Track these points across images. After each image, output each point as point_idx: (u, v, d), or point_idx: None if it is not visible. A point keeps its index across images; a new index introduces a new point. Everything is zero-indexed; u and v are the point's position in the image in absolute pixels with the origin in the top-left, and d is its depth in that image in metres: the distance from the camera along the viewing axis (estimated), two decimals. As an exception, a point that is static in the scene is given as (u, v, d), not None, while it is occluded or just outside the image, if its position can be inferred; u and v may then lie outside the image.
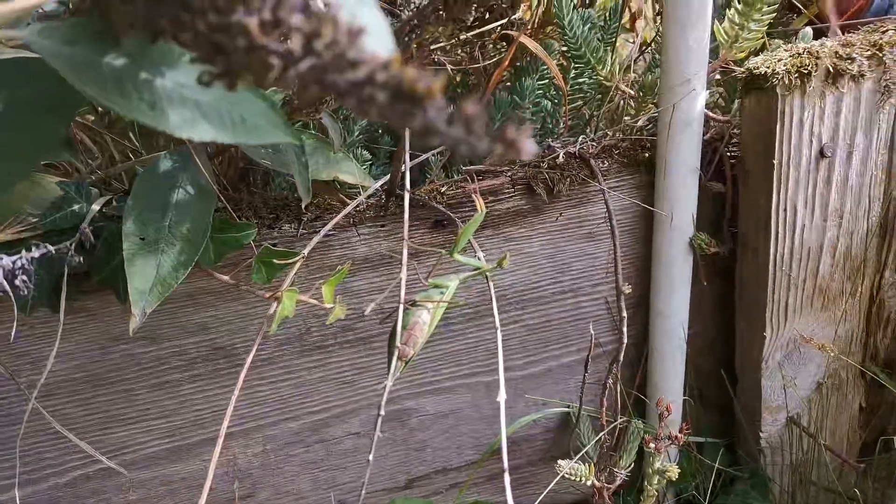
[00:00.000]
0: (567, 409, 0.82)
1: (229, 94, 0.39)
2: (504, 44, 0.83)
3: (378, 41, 0.31)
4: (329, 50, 0.24)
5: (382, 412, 0.54)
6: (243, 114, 0.39)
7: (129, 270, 0.54)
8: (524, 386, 0.83)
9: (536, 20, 0.90)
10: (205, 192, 0.58)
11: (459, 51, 0.86)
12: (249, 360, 0.58)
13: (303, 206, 0.59)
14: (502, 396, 0.49)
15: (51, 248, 0.51)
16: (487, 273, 0.59)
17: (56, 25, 0.35)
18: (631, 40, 0.96)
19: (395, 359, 0.53)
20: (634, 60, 0.72)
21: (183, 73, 0.38)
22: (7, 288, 0.43)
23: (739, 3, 0.63)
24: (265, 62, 0.26)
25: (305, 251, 0.62)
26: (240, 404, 0.75)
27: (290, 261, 0.60)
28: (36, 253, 0.49)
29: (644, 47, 0.75)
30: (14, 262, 0.44)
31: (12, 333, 0.60)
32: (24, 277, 0.44)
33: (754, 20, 0.63)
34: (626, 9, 0.93)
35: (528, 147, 0.23)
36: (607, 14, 0.83)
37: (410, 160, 0.69)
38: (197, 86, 0.38)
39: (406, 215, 0.53)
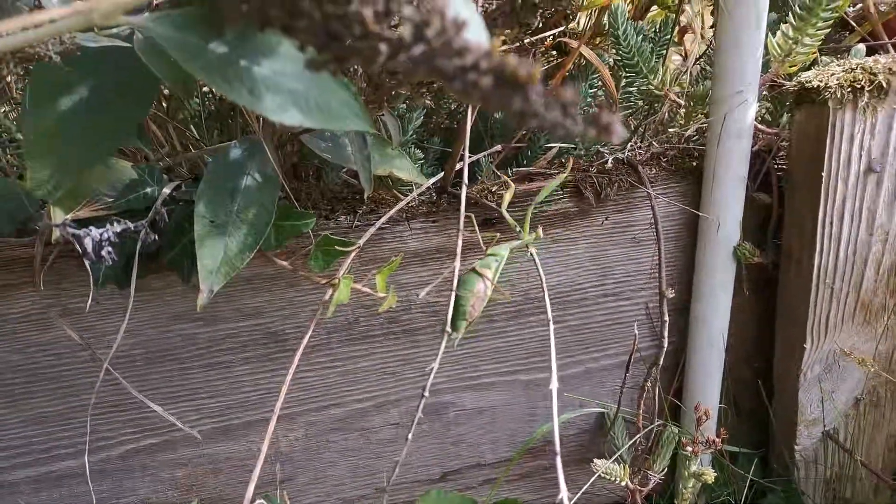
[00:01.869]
0: (602, 411, 0.83)
1: (318, 84, 0.42)
2: (554, 53, 0.85)
3: (476, 33, 0.33)
4: (438, 38, 0.27)
5: (426, 394, 0.56)
6: (330, 101, 0.42)
7: (199, 250, 0.57)
8: (562, 386, 0.85)
9: (588, 31, 0.92)
10: (270, 180, 0.61)
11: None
12: (305, 342, 0.61)
13: (365, 196, 0.62)
14: (554, 385, 0.50)
15: (130, 224, 0.54)
16: (533, 249, 0.60)
17: (169, 13, 0.38)
18: (680, 54, 0.98)
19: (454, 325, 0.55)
20: (684, 72, 0.74)
21: (279, 62, 0.40)
22: (94, 258, 0.46)
23: (794, 18, 0.64)
24: (375, 48, 0.28)
25: (361, 241, 0.65)
26: (288, 388, 0.77)
27: (347, 249, 0.63)
28: (118, 227, 0.52)
29: (696, 60, 0.77)
30: (101, 235, 0.47)
31: (87, 305, 0.63)
32: (110, 248, 0.47)
33: (808, 35, 0.64)
34: (677, 24, 0.95)
35: (619, 130, 0.25)
36: (658, 27, 0.85)
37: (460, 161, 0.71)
38: (290, 74, 0.41)
39: (463, 198, 0.55)
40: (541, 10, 0.48)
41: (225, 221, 0.59)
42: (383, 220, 0.67)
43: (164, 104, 0.84)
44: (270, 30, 0.36)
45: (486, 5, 0.51)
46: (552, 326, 0.53)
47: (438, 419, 0.83)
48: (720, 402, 0.84)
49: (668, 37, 0.83)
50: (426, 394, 0.57)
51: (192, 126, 0.84)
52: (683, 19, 0.98)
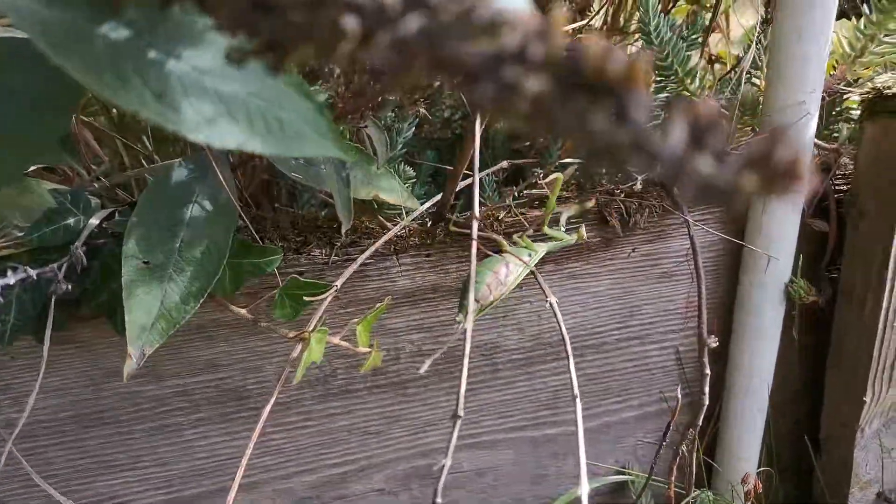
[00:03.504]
0: (626, 478, 0.71)
1: (267, 89, 0.29)
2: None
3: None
4: (450, 4, 0.14)
5: (461, 412, 0.44)
6: (282, 116, 0.29)
7: (127, 301, 0.44)
8: (576, 443, 0.72)
9: (606, 25, 0.80)
10: (224, 208, 0.48)
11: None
12: (267, 410, 0.48)
13: (342, 232, 0.49)
14: (583, 459, 0.38)
15: (32, 272, 0.41)
16: (553, 299, 0.50)
17: (33, -22, 0.25)
18: (704, 57, 0.86)
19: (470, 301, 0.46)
20: (726, 74, 0.62)
21: (206, 54, 0.28)
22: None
23: (871, 8, 0.53)
24: (335, 25, 0.16)
25: (339, 283, 0.52)
26: (251, 452, 0.64)
27: (320, 296, 0.50)
28: (12, 279, 0.39)
29: (738, 62, 0.65)
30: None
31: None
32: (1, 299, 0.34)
33: (889, 30, 0.52)
34: (715, 18, 0.83)
35: (807, 182, 0.13)
36: (686, 25, 0.73)
37: (461, 180, 0.59)
38: (224, 73, 0.28)
39: (475, 229, 0.43)
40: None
41: (164, 262, 0.46)
42: (366, 255, 0.55)
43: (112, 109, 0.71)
44: (181, 6, 0.24)
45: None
46: (571, 355, 0.41)
47: (431, 483, 0.70)
48: (759, 462, 0.72)
49: (697, 36, 0.71)
50: (460, 412, 0.44)
51: (145, 138, 0.71)
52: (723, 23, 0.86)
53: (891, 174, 0.56)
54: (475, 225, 0.44)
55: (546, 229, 0.55)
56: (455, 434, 0.43)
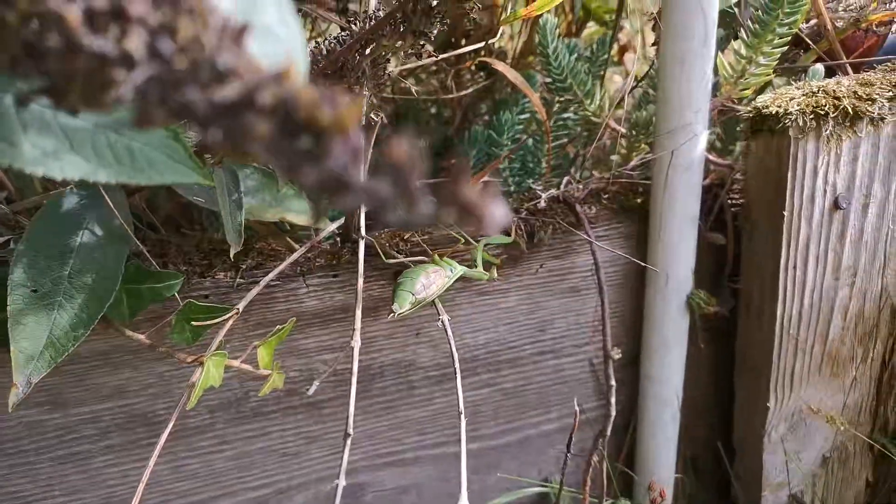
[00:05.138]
0: (545, 489, 0.72)
1: (115, 119, 0.30)
2: (481, 73, 0.75)
3: (282, 48, 0.22)
4: (186, 53, 0.15)
5: (350, 431, 0.44)
6: (132, 145, 0.30)
7: (13, 330, 0.44)
8: (498, 457, 0.73)
9: (518, 49, 0.82)
10: (116, 234, 0.48)
11: (433, 79, 0.78)
12: (164, 436, 0.48)
13: (231, 254, 0.50)
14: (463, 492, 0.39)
15: None
16: (445, 317, 0.53)
17: None
18: (620, 74, 0.89)
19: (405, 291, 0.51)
20: (625, 95, 0.64)
21: (47, 89, 0.28)
22: None
23: (747, 34, 0.55)
24: (101, 72, 0.17)
25: (241, 306, 0.53)
26: (165, 478, 0.64)
27: (219, 319, 0.50)
28: None
29: (636, 83, 0.67)
30: None
31: None
32: None
33: (763, 53, 0.55)
34: (615, 41, 0.86)
35: (498, 214, 0.14)
36: (594, 46, 0.76)
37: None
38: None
39: (362, 246, 0.44)
40: (439, 17, 0.38)
41: (52, 290, 0.46)
42: (270, 276, 0.55)
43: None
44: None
45: (374, 14, 0.40)
46: (461, 393, 0.42)
47: (354, 503, 0.70)
48: (676, 469, 0.74)
49: (606, 56, 0.73)
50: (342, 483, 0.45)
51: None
52: (623, 37, 0.90)
53: (774, 186, 0.59)
54: (361, 245, 0.45)
55: (468, 271, 0.58)
56: (346, 453, 0.44)
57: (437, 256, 0.55)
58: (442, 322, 0.52)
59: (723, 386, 0.76)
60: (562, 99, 0.65)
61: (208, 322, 0.49)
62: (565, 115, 0.68)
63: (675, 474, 0.73)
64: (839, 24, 0.64)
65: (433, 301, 0.55)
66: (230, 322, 0.52)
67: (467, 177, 0.14)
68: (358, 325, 0.45)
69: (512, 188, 0.66)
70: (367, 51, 0.39)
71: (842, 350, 0.69)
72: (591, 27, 0.84)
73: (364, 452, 0.69)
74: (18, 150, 0.27)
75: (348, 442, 0.44)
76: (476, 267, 0.59)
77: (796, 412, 0.71)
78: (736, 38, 0.56)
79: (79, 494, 0.62)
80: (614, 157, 0.66)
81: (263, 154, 0.15)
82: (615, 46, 0.85)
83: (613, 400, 0.62)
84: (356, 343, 0.44)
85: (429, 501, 0.73)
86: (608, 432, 0.64)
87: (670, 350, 0.67)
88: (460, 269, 0.57)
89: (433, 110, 0.89)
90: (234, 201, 0.49)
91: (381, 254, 0.55)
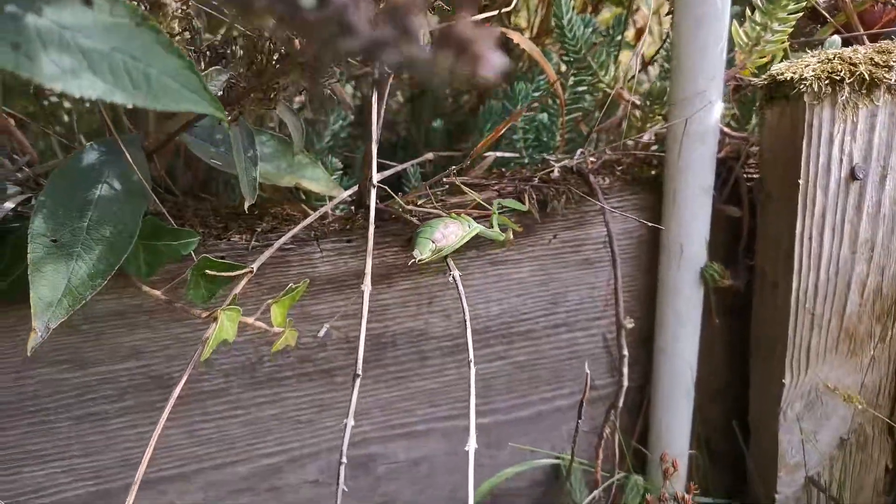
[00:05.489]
0: (558, 461, 0.72)
1: (133, 45, 0.31)
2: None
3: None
4: None
5: (359, 371, 0.45)
6: (150, 71, 0.31)
7: (33, 277, 0.45)
8: (510, 431, 0.73)
9: (534, 30, 0.83)
10: (135, 190, 0.49)
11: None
12: (178, 390, 0.49)
13: (245, 207, 0.50)
14: (472, 445, 0.39)
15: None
16: (456, 273, 0.56)
17: None
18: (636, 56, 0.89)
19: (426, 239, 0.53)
20: (640, 70, 0.64)
21: (67, 9, 0.29)
22: None
23: (762, 1, 0.55)
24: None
25: (256, 265, 0.53)
26: (180, 442, 0.65)
27: (234, 273, 0.51)
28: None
29: (653, 56, 0.67)
30: None
31: None
32: None
33: (778, 19, 0.55)
34: (631, 23, 0.86)
35: (493, 59, 0.15)
36: (611, 27, 0.76)
37: (385, 170, 0.60)
38: (86, 27, 0.30)
39: (373, 205, 0.44)
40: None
41: (71, 241, 0.47)
42: (285, 238, 0.56)
43: (44, 100, 0.72)
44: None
45: None
46: (473, 368, 0.42)
47: (365, 475, 0.71)
48: (691, 447, 0.73)
49: (620, 36, 0.73)
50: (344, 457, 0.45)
51: (75, 126, 0.72)
52: (640, 19, 0.90)
53: (789, 155, 0.59)
54: (373, 194, 0.45)
55: (484, 230, 0.59)
56: (355, 392, 0.44)
57: (453, 213, 0.56)
58: (453, 277, 0.52)
59: (738, 367, 0.75)
60: (576, 70, 0.65)
61: (227, 275, 0.50)
62: (580, 89, 0.68)
63: (689, 450, 0.72)
64: (857, -4, 0.64)
65: (446, 259, 0.56)
66: (245, 280, 0.53)
67: (470, 12, 0.14)
68: (369, 267, 0.46)
69: (526, 160, 0.67)
70: None
71: (859, 328, 0.68)
72: (606, 13, 0.85)
73: (376, 423, 0.69)
74: (38, 66, 0.28)
75: (357, 382, 0.44)
76: (492, 235, 0.59)
77: (812, 390, 0.70)
78: (753, 10, 0.56)
79: (96, 456, 0.63)
80: (629, 133, 0.66)
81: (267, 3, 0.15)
82: (632, 30, 0.85)
83: (626, 371, 0.62)
84: (366, 287, 0.44)
85: (440, 475, 0.73)
86: (620, 403, 0.64)
87: (684, 323, 0.67)
88: (477, 227, 0.58)
89: (449, 92, 0.90)
90: (250, 158, 0.50)
91: (395, 215, 0.56)
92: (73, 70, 0.28)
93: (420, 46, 0.15)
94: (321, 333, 0.44)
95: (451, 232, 0.54)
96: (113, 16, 0.30)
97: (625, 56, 0.80)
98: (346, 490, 0.69)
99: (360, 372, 0.43)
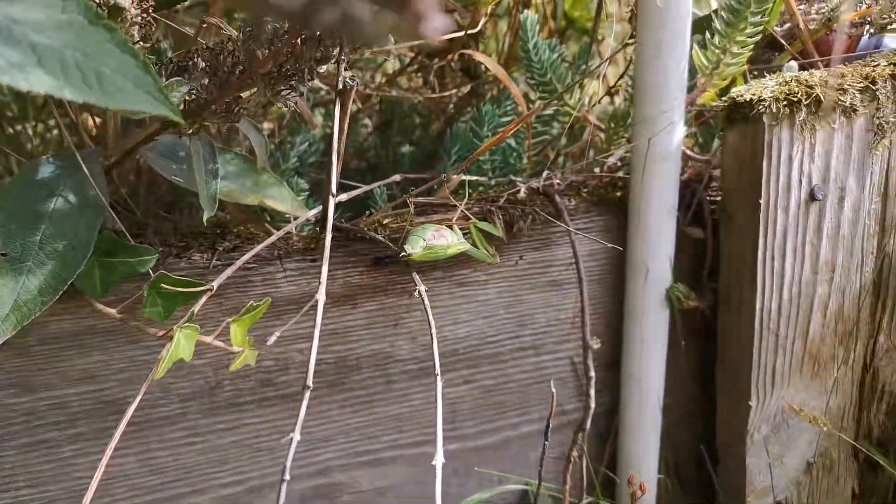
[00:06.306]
0: (526, 488, 0.71)
1: (86, 42, 0.30)
2: (461, 73, 0.76)
3: None
4: None
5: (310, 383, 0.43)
6: (102, 70, 0.30)
7: (-21, 292, 0.44)
8: (477, 459, 0.72)
9: (502, 58, 0.84)
10: (91, 203, 0.48)
11: (415, 78, 0.79)
12: (129, 413, 0.47)
13: (203, 219, 0.49)
14: (439, 460, 0.38)
15: None
16: (422, 287, 0.55)
17: None
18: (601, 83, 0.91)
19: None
20: (604, 94, 0.65)
21: (20, 6, 0.29)
22: None
23: (720, 23, 0.57)
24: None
25: (216, 283, 0.52)
26: (134, 472, 0.62)
27: (193, 289, 0.50)
28: None
29: (615, 86, 0.69)
30: None
31: None
32: None
33: (737, 42, 0.56)
34: (598, 53, 0.88)
35: (436, 19, 0.14)
36: (576, 56, 0.77)
37: (348, 192, 0.60)
38: (39, 23, 0.29)
39: (331, 217, 0.43)
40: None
41: (23, 255, 0.46)
42: (247, 256, 0.55)
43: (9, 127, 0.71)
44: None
45: None
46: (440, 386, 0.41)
47: (329, 504, 0.69)
48: (659, 471, 0.73)
49: (584, 66, 0.75)
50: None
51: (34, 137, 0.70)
52: (605, 51, 0.92)
53: (750, 176, 0.60)
54: (331, 203, 0.45)
55: (471, 249, 0.59)
56: (304, 406, 0.43)
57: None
58: (419, 292, 0.52)
59: (706, 390, 0.75)
60: (542, 94, 0.66)
61: (181, 289, 0.48)
62: (546, 113, 0.69)
63: (657, 475, 0.71)
64: (812, 25, 0.66)
65: (413, 274, 0.55)
66: (204, 298, 0.51)
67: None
68: (324, 276, 0.45)
69: (493, 182, 0.67)
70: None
71: (822, 349, 0.69)
72: (572, 42, 0.86)
73: (340, 450, 0.67)
74: (-16, 59, 0.27)
75: (307, 394, 0.43)
76: (478, 255, 0.59)
77: (778, 412, 0.70)
78: (713, 35, 0.57)
79: (45, 486, 0.60)
80: (593, 153, 0.67)
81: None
82: (594, 48, 0.87)
83: (593, 392, 0.61)
84: (321, 297, 0.43)
85: (406, 504, 0.71)
86: (587, 426, 0.63)
87: (650, 345, 0.67)
88: (465, 243, 0.58)
89: (418, 120, 0.90)
90: (210, 170, 0.49)
91: (360, 234, 0.55)
92: (21, 65, 0.28)
93: (360, 4, 0.14)
94: (270, 342, 0.43)
95: (442, 234, 0.55)
96: (65, 12, 0.29)
97: (591, 84, 0.82)
98: (309, 520, 0.66)
99: (310, 384, 0.42)
